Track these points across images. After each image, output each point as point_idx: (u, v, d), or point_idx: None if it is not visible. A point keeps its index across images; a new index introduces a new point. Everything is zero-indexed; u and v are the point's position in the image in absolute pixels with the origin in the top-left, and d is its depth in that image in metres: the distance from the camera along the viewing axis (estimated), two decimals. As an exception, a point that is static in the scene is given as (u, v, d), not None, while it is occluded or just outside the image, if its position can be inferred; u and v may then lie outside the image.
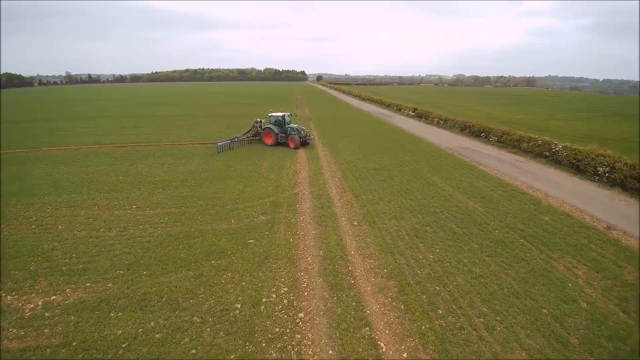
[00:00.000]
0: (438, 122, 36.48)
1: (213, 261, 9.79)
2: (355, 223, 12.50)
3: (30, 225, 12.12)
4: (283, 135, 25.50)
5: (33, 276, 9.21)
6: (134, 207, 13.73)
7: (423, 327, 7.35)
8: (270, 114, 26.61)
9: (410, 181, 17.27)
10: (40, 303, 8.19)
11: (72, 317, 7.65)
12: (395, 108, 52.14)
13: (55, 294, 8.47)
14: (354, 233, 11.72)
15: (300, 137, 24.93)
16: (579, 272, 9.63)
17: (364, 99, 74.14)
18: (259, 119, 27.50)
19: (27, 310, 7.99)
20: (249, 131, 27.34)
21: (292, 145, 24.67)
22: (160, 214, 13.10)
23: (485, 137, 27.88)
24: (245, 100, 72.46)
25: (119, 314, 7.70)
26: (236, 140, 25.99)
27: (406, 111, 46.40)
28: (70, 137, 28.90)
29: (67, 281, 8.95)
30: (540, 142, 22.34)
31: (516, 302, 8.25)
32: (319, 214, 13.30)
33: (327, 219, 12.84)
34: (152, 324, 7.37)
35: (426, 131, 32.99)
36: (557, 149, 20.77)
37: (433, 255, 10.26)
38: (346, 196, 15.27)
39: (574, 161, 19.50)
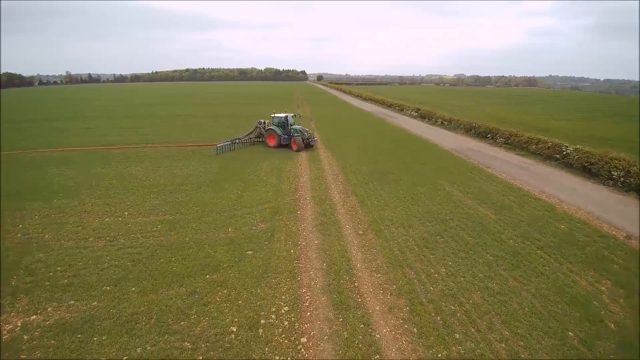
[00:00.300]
0: (442, 122, 35.72)
1: (208, 276, 9.08)
2: (361, 232, 11.78)
3: (16, 234, 11.43)
4: (286, 137, 24.60)
5: (14, 292, 8.53)
6: (126, 213, 13.03)
7: (439, 355, 6.63)
8: (273, 115, 25.71)
9: (416, 185, 16.55)
10: (19, 324, 7.50)
11: (52, 342, 6.95)
12: (397, 108, 51.39)
13: (36, 314, 7.77)
14: (360, 243, 11.00)
15: (303, 139, 24.12)
16: (603, 288, 8.91)
17: (365, 99, 73.41)
18: (262, 120, 26.71)
19: (5, 332, 7.30)
20: (251, 132, 26.54)
21: (294, 147, 23.83)
22: (154, 221, 12.39)
23: (492, 139, 27.11)
24: (246, 100, 71.81)
25: (103, 337, 6.99)
26: (237, 141, 25.29)
27: (409, 111, 45.64)
28: (68, 138, 28.23)
29: (50, 298, 8.25)
30: (550, 144, 21.58)
31: (539, 323, 7.53)
32: (321, 221, 12.59)
33: (330, 227, 12.13)
34: (138, 350, 6.67)
35: (430, 132, 32.25)
36: (568, 151, 20.01)
37: (445, 268, 9.54)
38: (350, 202, 14.56)
39: (586, 164, 18.75)
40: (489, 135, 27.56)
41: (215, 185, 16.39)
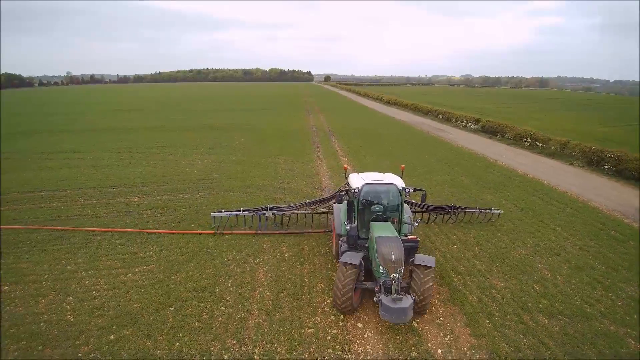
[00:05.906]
0: (532, 144, 23.70)
1: None
2: None
3: None
4: (347, 251, 7.80)
5: None
6: None
7: None
8: (350, 177, 9.45)
9: None
10: None
11: None
12: (440, 116, 39.39)
13: None
14: None
15: (383, 289, 6.69)
16: None
17: (387, 103, 61.37)
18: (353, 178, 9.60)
19: None
20: (319, 200, 11.72)
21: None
22: None
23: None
24: (246, 104, 60.40)
25: None
26: (270, 214, 11.04)
27: (462, 122, 33.59)
28: None
29: None
30: None
31: None
32: None
33: None
34: None
35: (526, 162, 20.35)
36: None
37: None
38: None
39: None
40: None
41: None
